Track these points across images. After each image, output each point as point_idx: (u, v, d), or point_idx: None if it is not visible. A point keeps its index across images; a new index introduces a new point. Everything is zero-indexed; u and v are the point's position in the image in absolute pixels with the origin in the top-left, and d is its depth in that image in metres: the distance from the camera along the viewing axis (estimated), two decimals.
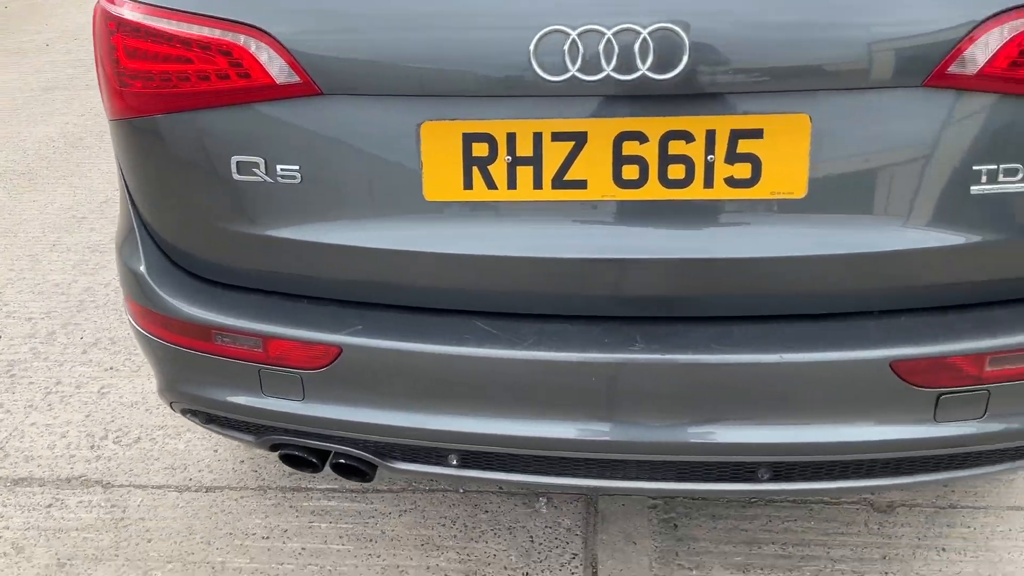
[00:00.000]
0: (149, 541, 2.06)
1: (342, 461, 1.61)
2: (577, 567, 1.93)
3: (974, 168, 1.32)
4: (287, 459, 1.66)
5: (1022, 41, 1.25)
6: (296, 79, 1.37)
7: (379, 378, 1.46)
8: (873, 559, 1.91)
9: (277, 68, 1.37)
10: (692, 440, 1.41)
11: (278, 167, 1.43)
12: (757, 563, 1.91)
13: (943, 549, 1.92)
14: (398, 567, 1.96)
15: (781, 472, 1.48)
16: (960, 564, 1.88)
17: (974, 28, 1.25)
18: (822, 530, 1.99)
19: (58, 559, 2.01)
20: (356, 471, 1.64)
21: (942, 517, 2.01)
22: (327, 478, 2.18)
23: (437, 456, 1.55)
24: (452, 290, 1.46)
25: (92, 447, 2.37)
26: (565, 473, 1.53)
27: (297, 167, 1.43)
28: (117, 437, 2.41)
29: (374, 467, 1.63)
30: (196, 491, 2.20)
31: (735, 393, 1.39)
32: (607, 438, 1.42)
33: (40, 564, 1.99)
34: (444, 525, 2.06)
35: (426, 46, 1.32)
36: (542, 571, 1.93)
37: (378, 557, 1.98)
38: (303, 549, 2.02)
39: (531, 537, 2.02)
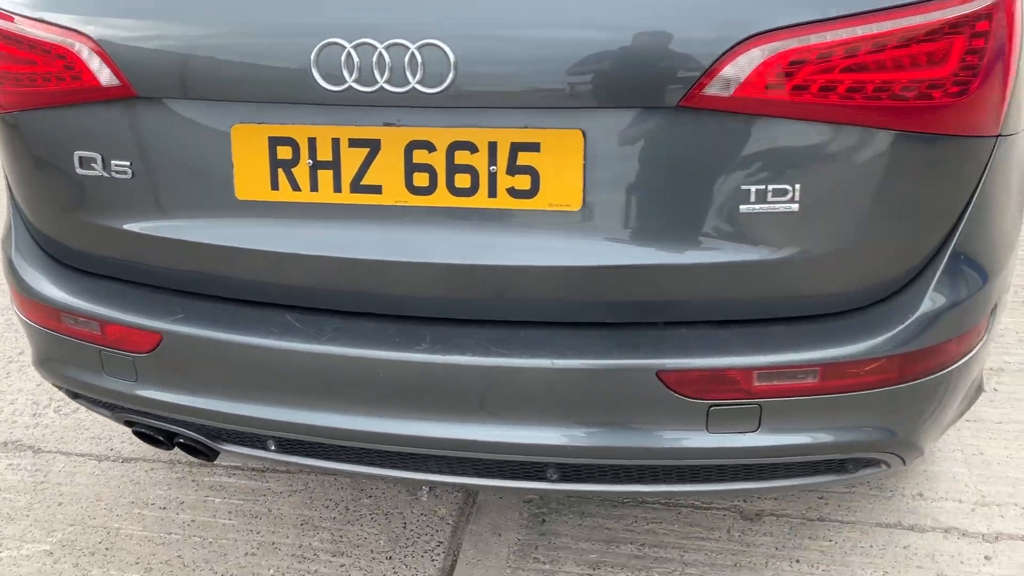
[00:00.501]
0: (60, 504, 2.21)
1: (183, 440, 1.72)
2: (439, 555, 2.01)
3: (742, 188, 1.35)
4: (140, 435, 1.78)
5: (777, 64, 1.28)
6: (117, 83, 1.48)
7: (196, 365, 1.57)
8: (725, 565, 1.94)
9: (102, 72, 1.48)
10: (474, 438, 1.47)
11: (112, 163, 1.55)
12: (610, 561, 1.96)
13: (797, 561, 1.94)
14: (273, 544, 2.06)
15: (569, 473, 1.53)
16: None
17: (728, 51, 1.28)
18: (683, 533, 2.02)
19: None
20: (199, 450, 1.75)
21: (806, 529, 2.02)
22: (233, 456, 2.29)
23: (258, 441, 1.65)
24: (265, 285, 1.55)
25: (34, 414, 2.54)
26: (372, 463, 1.61)
27: (128, 163, 1.54)
28: (58, 407, 2.57)
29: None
30: (113, 461, 2.35)
31: (512, 395, 1.45)
32: (396, 432, 1.50)
33: None
34: (327, 507, 2.16)
35: (228, 55, 1.41)
36: (406, 556, 2.01)
37: (257, 533, 2.09)
38: (193, 521, 2.14)
39: (405, 523, 2.10)
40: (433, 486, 2.12)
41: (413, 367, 1.45)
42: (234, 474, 2.28)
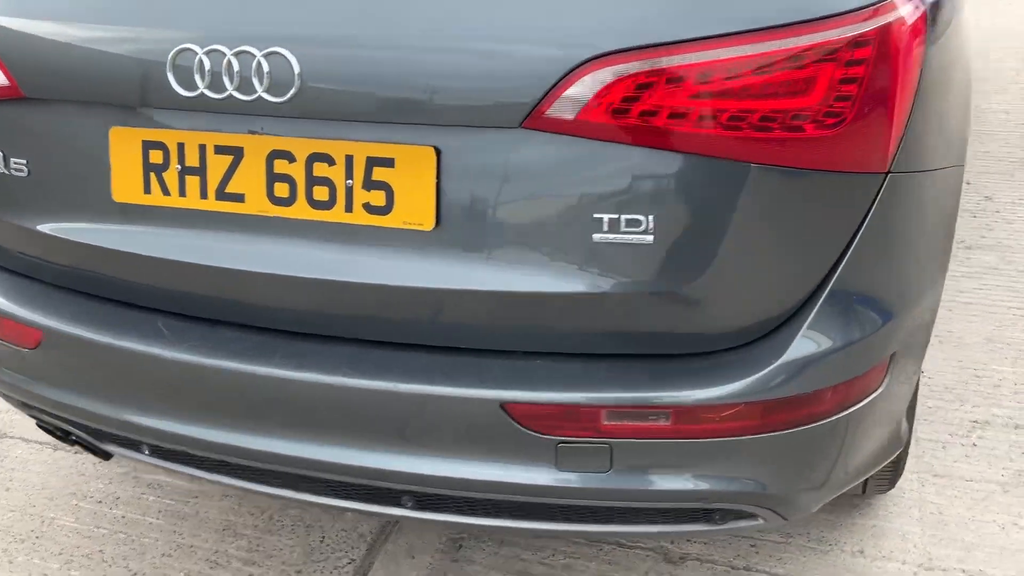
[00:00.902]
0: (7, 490, 2.27)
1: (75, 438, 1.74)
2: (348, 573, 1.98)
3: (594, 216, 1.28)
4: (43, 429, 1.80)
5: (622, 88, 1.21)
6: (6, 82, 1.50)
7: (73, 363, 1.57)
8: None
9: None
10: (322, 458, 1.44)
11: (11, 160, 1.57)
12: None
13: None
14: (191, 546, 2.07)
15: (424, 501, 1.48)
16: None
17: (569, 72, 1.22)
18: (601, 572, 1.94)
19: None
20: (92, 448, 1.76)
21: None
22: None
23: (134, 445, 1.64)
24: (143, 288, 1.55)
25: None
26: (235, 475, 1.59)
27: (25, 161, 1.56)
28: None
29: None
30: (67, 452, 2.39)
31: (357, 417, 1.41)
32: (250, 447, 1.47)
33: None
34: (253, 514, 2.15)
35: (100, 59, 1.42)
36: (314, 571, 1.99)
37: (179, 535, 2.10)
38: (123, 517, 2.17)
39: (323, 537, 2.08)
40: (286, 504, 2.09)
41: (261, 381, 1.42)
42: (173, 473, 2.29)
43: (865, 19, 1.23)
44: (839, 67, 1.22)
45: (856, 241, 1.33)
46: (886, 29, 1.24)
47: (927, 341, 1.56)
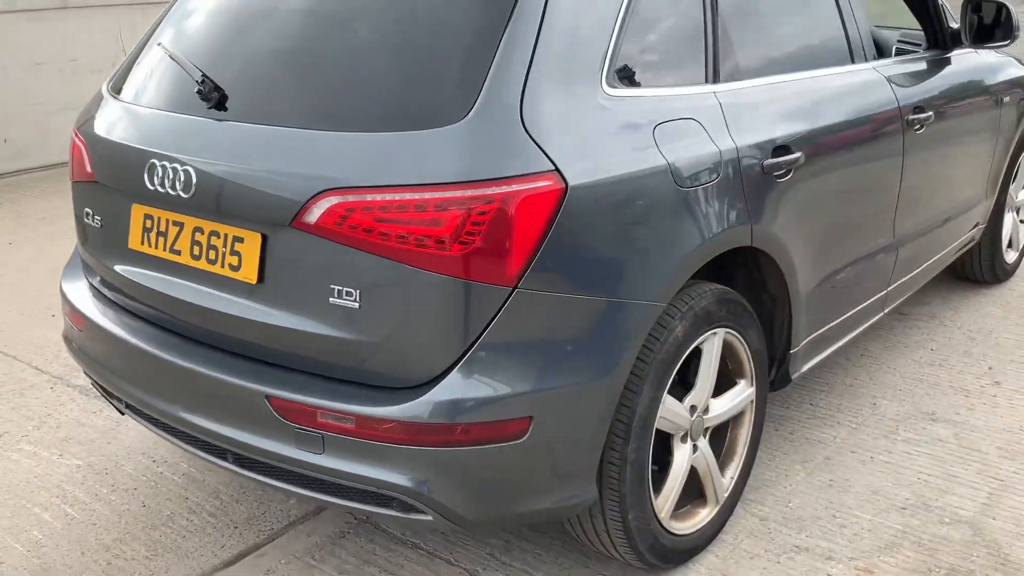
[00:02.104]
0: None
1: (100, 391, 2.75)
2: (266, 535, 2.80)
3: (331, 286, 2.08)
4: (91, 384, 2.83)
5: (338, 209, 2.01)
6: (90, 171, 2.58)
7: (93, 341, 2.59)
8: None
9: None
10: (185, 417, 2.31)
11: (94, 216, 2.64)
12: (353, 572, 2.61)
13: None
14: (98, 541, 2.99)
15: (241, 460, 2.29)
16: None
17: (313, 196, 2.04)
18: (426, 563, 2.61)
19: None
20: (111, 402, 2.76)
21: None
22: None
23: (120, 401, 2.60)
24: (133, 299, 2.52)
25: None
26: (161, 428, 2.48)
27: (99, 218, 2.62)
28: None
29: None
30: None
31: (195, 391, 2.27)
32: (156, 405, 2.38)
33: None
34: (211, 494, 3.04)
35: (124, 165, 2.43)
36: (258, 528, 2.82)
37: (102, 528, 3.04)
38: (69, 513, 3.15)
39: (266, 511, 2.92)
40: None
41: (172, 366, 2.33)
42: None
43: (490, 186, 1.94)
44: (467, 214, 1.94)
45: (489, 329, 2.00)
46: (505, 196, 1.94)
47: (596, 433, 2.14)
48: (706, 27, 2.50)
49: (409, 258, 1.98)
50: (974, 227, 4.17)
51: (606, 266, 2.11)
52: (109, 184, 2.53)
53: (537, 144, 2.01)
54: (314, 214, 2.04)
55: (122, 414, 2.75)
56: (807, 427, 3.33)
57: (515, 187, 1.96)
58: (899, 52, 3.96)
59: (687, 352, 2.38)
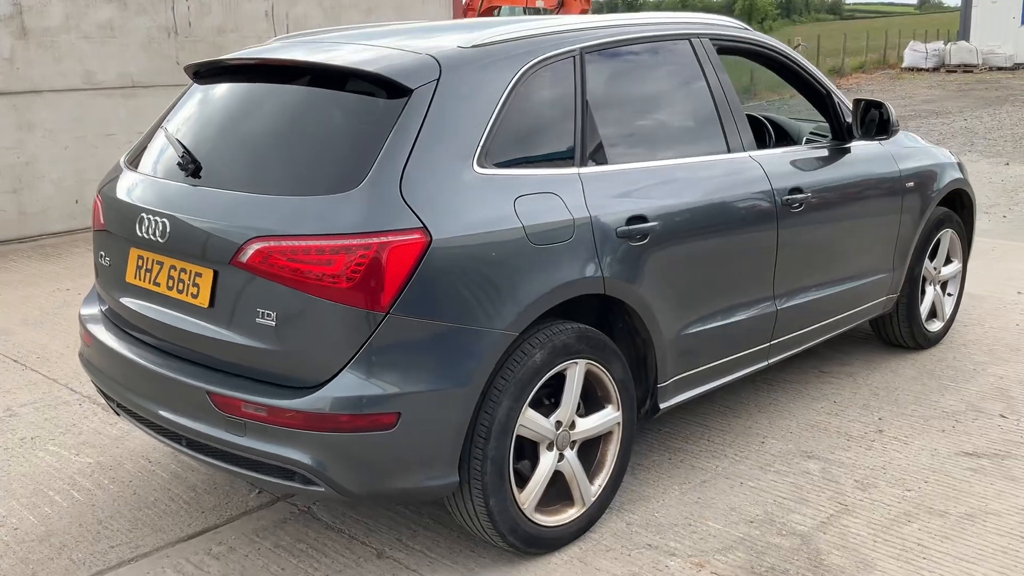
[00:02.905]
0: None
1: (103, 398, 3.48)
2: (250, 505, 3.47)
3: (258, 308, 2.78)
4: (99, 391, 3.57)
5: (262, 251, 2.72)
6: (103, 223, 3.36)
7: (98, 355, 3.34)
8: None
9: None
10: (154, 410, 3.02)
11: (105, 257, 3.42)
12: (287, 546, 3.26)
13: None
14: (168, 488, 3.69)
15: (191, 444, 2.98)
16: None
17: (246, 241, 2.76)
18: (320, 551, 3.25)
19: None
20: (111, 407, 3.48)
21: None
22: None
23: (113, 402, 3.33)
24: (128, 321, 3.27)
25: None
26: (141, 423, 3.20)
27: (109, 259, 3.40)
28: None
29: None
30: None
31: (161, 392, 2.98)
32: (137, 402, 3.10)
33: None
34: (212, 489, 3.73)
35: (123, 218, 3.21)
36: (235, 503, 3.50)
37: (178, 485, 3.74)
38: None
39: (248, 494, 3.60)
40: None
41: (147, 371, 3.05)
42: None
43: (369, 237, 2.64)
44: (353, 258, 2.64)
45: (367, 343, 2.67)
46: (380, 245, 2.63)
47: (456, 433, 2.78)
48: (575, 121, 3.19)
49: (311, 289, 2.67)
50: (886, 296, 4.71)
51: (463, 301, 2.77)
52: (115, 232, 3.30)
53: (410, 208, 2.70)
54: (246, 254, 2.76)
55: (118, 415, 3.47)
56: (696, 457, 3.89)
57: (388, 239, 2.65)
58: (808, 141, 4.59)
59: (547, 376, 3.00)
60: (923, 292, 5.05)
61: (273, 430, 2.73)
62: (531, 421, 3.00)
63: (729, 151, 3.74)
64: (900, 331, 4.99)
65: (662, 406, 3.48)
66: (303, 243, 2.67)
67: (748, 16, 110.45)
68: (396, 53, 3.03)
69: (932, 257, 5.04)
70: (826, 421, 4.25)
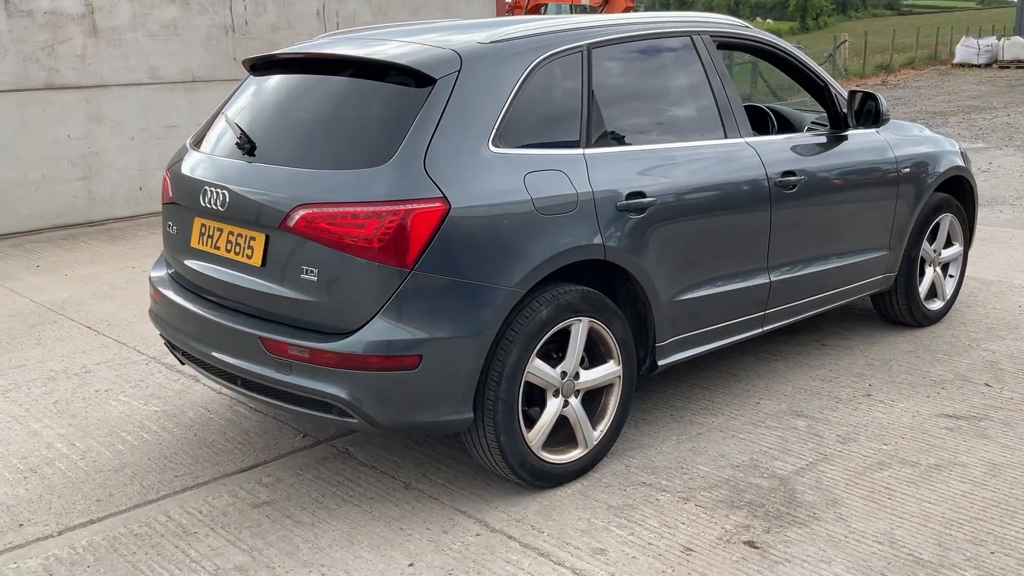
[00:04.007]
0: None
1: (169, 347, 4.00)
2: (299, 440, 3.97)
3: (302, 266, 3.26)
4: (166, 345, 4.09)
5: (306, 217, 3.20)
6: (171, 195, 3.88)
7: (165, 309, 3.86)
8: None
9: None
10: (214, 355, 3.52)
11: (173, 226, 3.94)
12: (328, 478, 3.75)
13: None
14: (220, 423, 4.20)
15: (245, 384, 3.47)
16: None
17: (291, 209, 3.24)
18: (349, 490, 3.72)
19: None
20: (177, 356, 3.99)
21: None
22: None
23: (180, 352, 3.84)
24: (191, 281, 3.78)
25: None
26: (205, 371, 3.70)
27: (175, 228, 3.92)
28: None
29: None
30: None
31: (220, 338, 3.48)
32: (201, 349, 3.60)
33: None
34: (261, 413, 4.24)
35: (189, 192, 3.72)
36: (281, 441, 4.01)
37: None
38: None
39: (291, 430, 4.10)
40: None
41: (202, 319, 3.56)
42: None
43: (396, 205, 3.10)
44: (383, 222, 3.11)
45: (395, 295, 3.14)
46: (406, 212, 3.09)
47: (469, 376, 3.24)
48: (582, 108, 3.63)
49: (347, 249, 3.14)
50: (883, 274, 5.07)
51: (477, 261, 3.22)
52: (181, 203, 3.81)
53: (433, 180, 3.16)
54: (293, 219, 3.24)
55: (183, 363, 3.99)
56: (695, 414, 4.31)
57: (413, 206, 3.11)
58: (810, 129, 4.98)
59: (552, 330, 3.44)
60: (922, 272, 5.38)
61: (314, 369, 3.21)
62: (538, 369, 3.44)
63: (726, 137, 4.14)
64: (899, 308, 5.34)
65: (660, 364, 3.90)
66: (340, 209, 3.14)
67: (803, 11, 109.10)
68: (424, 48, 3.49)
69: (932, 240, 5.37)
70: (819, 386, 4.63)
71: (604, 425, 3.73)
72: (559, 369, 3.53)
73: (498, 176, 3.32)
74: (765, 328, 4.42)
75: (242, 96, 3.89)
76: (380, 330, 3.14)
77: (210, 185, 3.56)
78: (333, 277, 3.20)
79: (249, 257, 3.43)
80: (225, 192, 3.48)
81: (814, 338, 5.33)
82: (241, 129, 3.58)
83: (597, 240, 3.51)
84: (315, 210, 3.18)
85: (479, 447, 3.45)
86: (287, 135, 3.55)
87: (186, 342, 3.71)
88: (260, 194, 3.38)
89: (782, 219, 4.27)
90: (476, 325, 3.23)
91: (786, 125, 5.18)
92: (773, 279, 4.33)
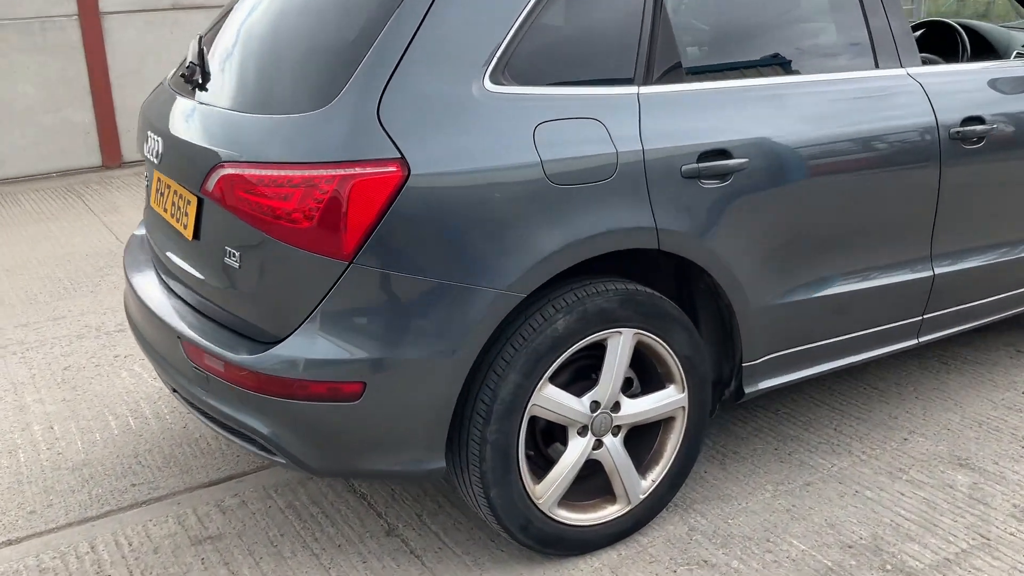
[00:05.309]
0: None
1: None
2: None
3: (225, 248, 2.38)
4: None
5: (223, 181, 2.30)
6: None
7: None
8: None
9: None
10: (152, 351, 2.74)
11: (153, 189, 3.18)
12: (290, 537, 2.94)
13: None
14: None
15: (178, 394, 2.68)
16: None
17: (211, 168, 2.34)
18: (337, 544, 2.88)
19: None
20: None
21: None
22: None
23: None
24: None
25: None
26: None
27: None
28: None
29: None
30: None
31: (157, 332, 2.68)
32: (140, 333, 2.84)
33: None
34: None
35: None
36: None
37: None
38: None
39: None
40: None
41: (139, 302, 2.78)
42: None
43: (328, 169, 2.15)
44: (311, 192, 2.17)
45: (327, 297, 2.21)
46: (342, 179, 2.14)
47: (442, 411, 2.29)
48: (644, 21, 2.49)
49: (267, 228, 2.24)
50: None
51: (450, 252, 2.22)
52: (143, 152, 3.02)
53: (387, 133, 2.18)
54: (212, 182, 2.36)
55: None
56: (810, 451, 3.16)
57: (353, 170, 2.15)
58: (1020, 55, 3.56)
59: (574, 347, 2.42)
60: None
61: (230, 389, 2.36)
62: (551, 401, 2.45)
63: (877, 67, 2.88)
64: None
65: (747, 391, 2.79)
66: (263, 172, 2.24)
67: None
68: None
69: None
70: (1002, 418, 3.34)
71: (658, 473, 2.70)
72: (588, 398, 2.51)
73: (492, 127, 2.29)
74: (920, 340, 3.18)
75: (221, 18, 3.03)
76: (303, 345, 2.24)
77: (151, 130, 2.74)
78: (255, 266, 2.33)
79: (184, 227, 2.60)
80: (159, 140, 2.66)
81: (1004, 340, 3.97)
82: (193, 61, 2.72)
83: (646, 222, 2.42)
84: (235, 170, 2.30)
85: (470, 500, 2.51)
86: (237, 64, 2.66)
87: (133, 328, 2.95)
88: (188, 145, 2.52)
89: (957, 185, 2.98)
90: (447, 342, 2.26)
91: (985, 49, 3.76)
92: (937, 271, 3.06)
